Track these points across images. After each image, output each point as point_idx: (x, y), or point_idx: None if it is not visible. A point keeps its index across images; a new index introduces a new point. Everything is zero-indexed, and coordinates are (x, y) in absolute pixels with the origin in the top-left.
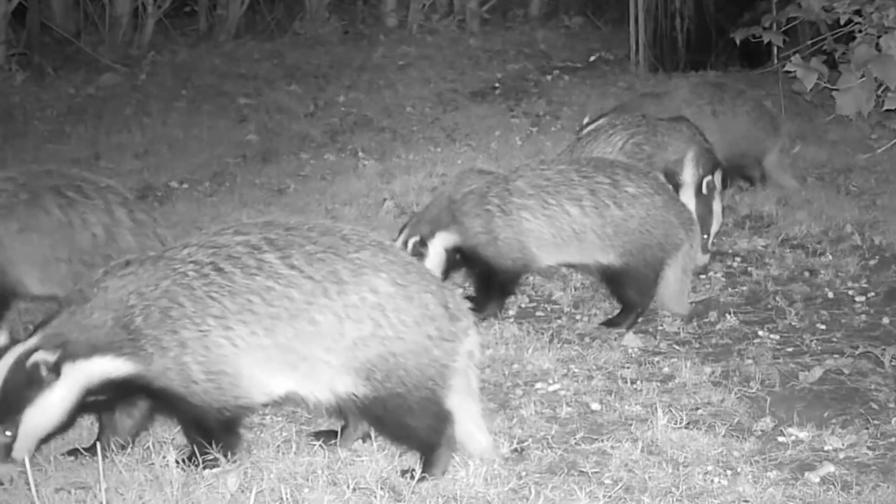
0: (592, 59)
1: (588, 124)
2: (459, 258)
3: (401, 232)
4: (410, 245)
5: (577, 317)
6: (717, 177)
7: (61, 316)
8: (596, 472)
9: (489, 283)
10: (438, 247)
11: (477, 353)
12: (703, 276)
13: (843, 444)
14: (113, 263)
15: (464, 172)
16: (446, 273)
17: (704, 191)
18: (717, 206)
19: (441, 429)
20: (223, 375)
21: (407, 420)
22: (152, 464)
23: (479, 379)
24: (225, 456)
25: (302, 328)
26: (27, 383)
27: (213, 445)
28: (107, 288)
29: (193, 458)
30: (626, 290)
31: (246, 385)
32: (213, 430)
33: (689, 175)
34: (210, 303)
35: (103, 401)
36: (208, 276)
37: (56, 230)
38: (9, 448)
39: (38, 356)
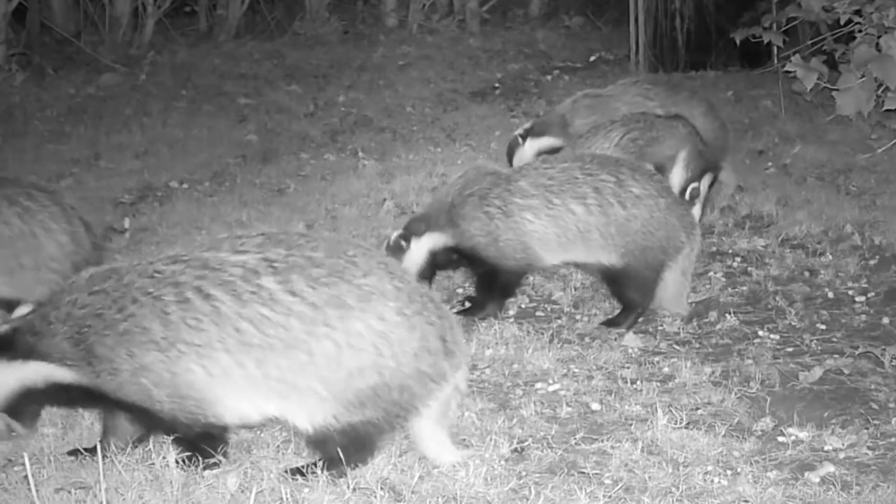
0: (592, 59)
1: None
2: (457, 259)
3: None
4: (392, 239)
5: (577, 317)
6: (705, 182)
7: (28, 316)
8: (596, 472)
9: (491, 283)
10: (424, 247)
11: (462, 387)
12: (702, 276)
13: (843, 444)
14: (93, 272)
15: (468, 171)
16: (430, 273)
17: (687, 196)
18: (696, 212)
19: (368, 461)
20: (189, 400)
21: (356, 449)
22: (152, 464)
23: (457, 408)
24: (206, 460)
25: (297, 359)
26: None
27: (194, 452)
28: (73, 302)
29: (193, 458)
30: (627, 291)
31: (218, 411)
32: (187, 440)
33: (677, 175)
34: (185, 329)
35: (69, 399)
36: (189, 301)
37: (18, 240)
38: None
39: None
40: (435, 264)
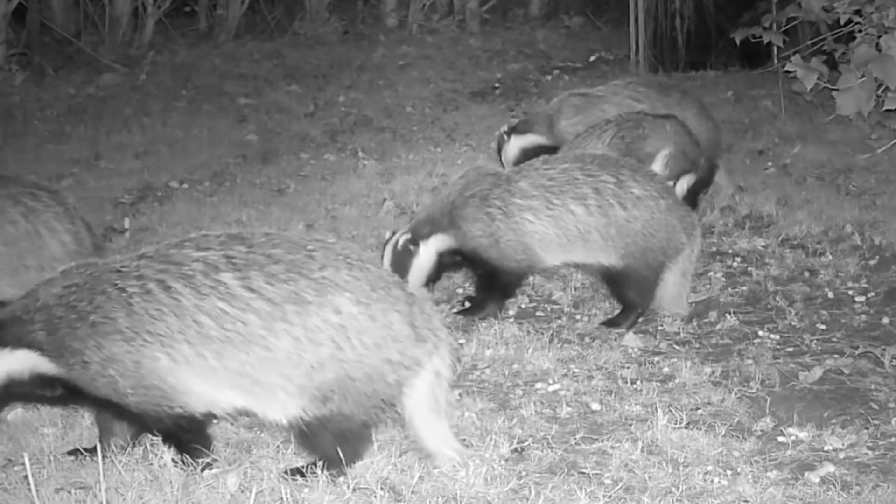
0: (592, 59)
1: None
2: (460, 260)
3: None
4: (401, 243)
5: (577, 317)
6: (682, 183)
7: (10, 307)
8: (596, 472)
9: (492, 284)
10: (432, 249)
11: (446, 372)
12: (702, 276)
13: (843, 444)
14: (69, 266)
15: (468, 172)
16: (437, 276)
17: None
18: None
19: (361, 455)
20: (154, 390)
21: (339, 443)
22: (152, 464)
23: (450, 397)
24: (198, 459)
25: (256, 353)
26: None
27: (180, 450)
28: (49, 294)
29: (183, 457)
30: (627, 292)
31: (183, 400)
32: (169, 436)
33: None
34: (148, 319)
35: (50, 397)
36: (151, 293)
37: (23, 239)
38: None
39: None
40: (442, 266)
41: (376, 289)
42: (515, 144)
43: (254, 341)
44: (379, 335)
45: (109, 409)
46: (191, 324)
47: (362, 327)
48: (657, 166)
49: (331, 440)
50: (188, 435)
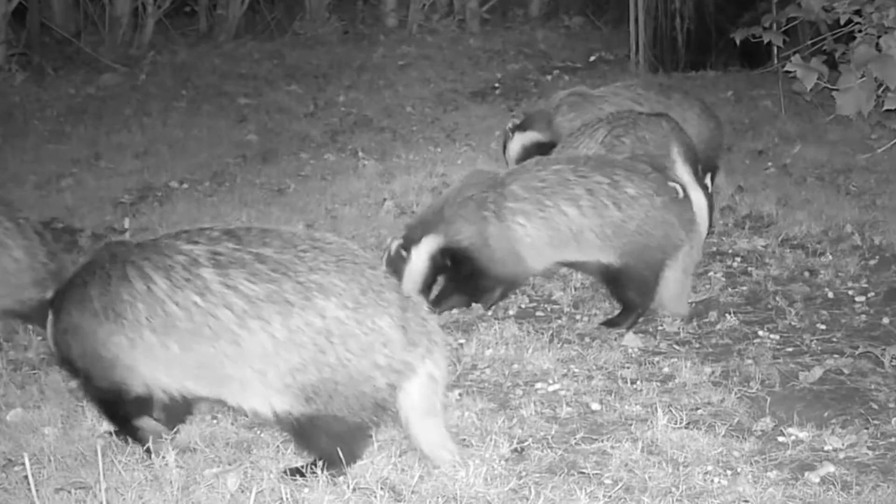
0: (592, 59)
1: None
2: (450, 264)
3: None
4: (393, 249)
5: (577, 317)
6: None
7: None
8: (596, 472)
9: (471, 282)
10: (423, 253)
11: (439, 375)
12: (702, 276)
13: (843, 444)
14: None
15: (467, 176)
16: (432, 280)
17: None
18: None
19: (359, 454)
20: (99, 360)
21: (334, 443)
22: (152, 464)
23: (445, 399)
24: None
25: (224, 348)
26: None
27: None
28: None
29: (119, 435)
30: (627, 291)
31: (127, 377)
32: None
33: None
34: (118, 302)
35: None
36: (127, 279)
37: None
38: None
39: None
40: (436, 270)
41: (367, 292)
42: (518, 141)
43: (223, 336)
44: (366, 340)
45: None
46: (159, 313)
47: (348, 332)
48: (679, 167)
49: (326, 440)
50: (124, 412)
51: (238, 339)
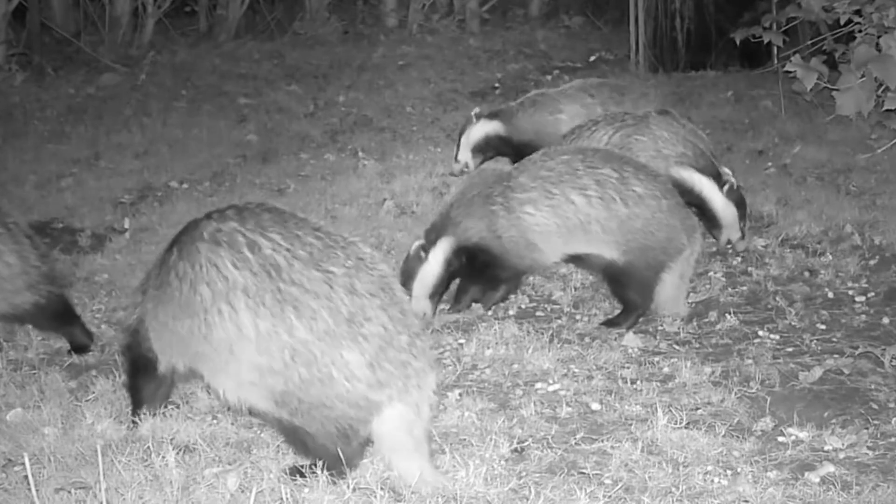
0: (592, 59)
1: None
2: (465, 264)
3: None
4: (413, 249)
5: (577, 317)
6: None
7: None
8: (596, 472)
9: (486, 273)
10: (440, 255)
11: (416, 414)
12: (702, 276)
13: (843, 444)
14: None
15: (472, 175)
16: (445, 284)
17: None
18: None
19: (354, 462)
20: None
21: (320, 448)
22: (152, 464)
23: (430, 428)
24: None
25: (197, 328)
26: None
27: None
28: None
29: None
30: (627, 291)
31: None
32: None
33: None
34: (151, 269)
35: None
36: (168, 251)
37: None
38: None
39: None
40: (450, 274)
41: (345, 323)
42: (482, 128)
43: (197, 315)
44: (326, 372)
45: None
46: (166, 281)
47: (310, 359)
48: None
49: (312, 444)
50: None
51: (208, 321)
